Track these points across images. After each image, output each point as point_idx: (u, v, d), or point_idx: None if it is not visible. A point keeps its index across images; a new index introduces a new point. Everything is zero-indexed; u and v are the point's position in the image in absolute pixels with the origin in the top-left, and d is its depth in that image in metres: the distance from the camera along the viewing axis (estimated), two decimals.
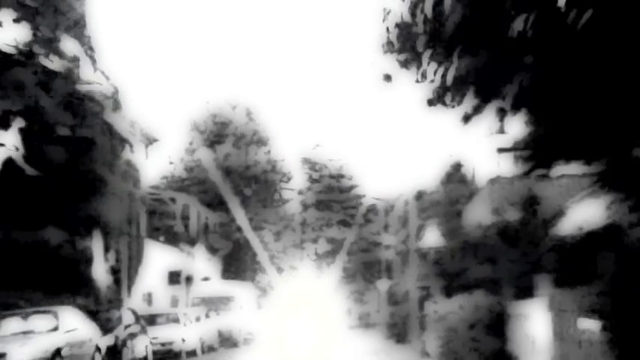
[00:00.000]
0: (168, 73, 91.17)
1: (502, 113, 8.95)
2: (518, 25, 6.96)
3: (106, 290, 25.86)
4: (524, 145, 9.56)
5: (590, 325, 9.95)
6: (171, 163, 58.17)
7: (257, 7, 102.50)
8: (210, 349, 30.44)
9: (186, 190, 52.08)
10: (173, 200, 44.97)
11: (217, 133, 58.23)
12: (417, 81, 8.98)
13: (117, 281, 28.11)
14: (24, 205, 21.13)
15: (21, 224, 21.22)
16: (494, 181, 23.62)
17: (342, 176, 64.26)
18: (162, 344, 25.79)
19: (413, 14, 8.59)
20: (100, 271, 25.64)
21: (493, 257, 17.63)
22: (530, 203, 17.46)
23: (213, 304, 35.10)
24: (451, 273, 20.87)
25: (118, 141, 27.83)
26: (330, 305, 29.25)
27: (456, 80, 8.15)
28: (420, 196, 36.98)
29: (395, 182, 56.12)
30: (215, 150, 56.70)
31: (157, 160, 50.22)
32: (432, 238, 23.70)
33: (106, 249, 26.59)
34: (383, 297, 39.90)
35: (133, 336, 21.81)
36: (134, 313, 23.53)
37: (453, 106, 9.00)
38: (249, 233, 49.46)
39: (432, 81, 8.64)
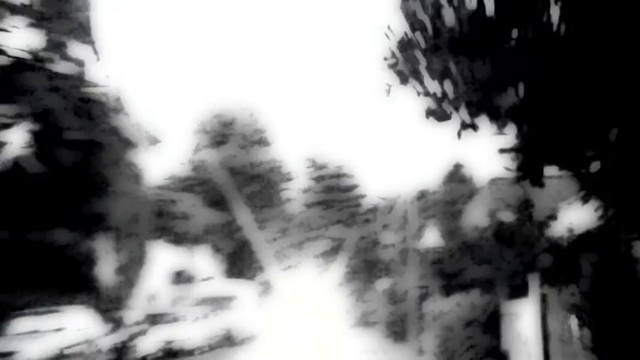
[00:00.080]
0: (173, 74, 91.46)
1: (499, 121, 9.33)
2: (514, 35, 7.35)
3: (113, 290, 26.20)
4: (517, 150, 9.94)
5: (575, 323, 10.49)
6: (182, 164, 58.55)
7: (261, 9, 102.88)
8: (212, 348, 30.70)
9: (190, 190, 52.46)
10: (178, 200, 45.22)
11: (222, 134, 58.66)
12: (419, 94, 9.36)
13: (123, 281, 28.48)
14: (33, 206, 21.51)
15: (30, 225, 21.58)
16: (493, 182, 23.92)
17: (343, 175, 64.50)
18: (166, 343, 26.01)
19: (413, 29, 8.95)
20: (107, 271, 25.99)
21: (489, 258, 17.96)
22: (526, 206, 17.79)
23: (216, 303, 35.36)
24: (449, 273, 21.21)
25: (123, 142, 28.18)
26: (330, 304, 29.61)
27: (453, 92, 8.54)
28: (421, 195, 37.29)
29: (396, 182, 56.25)
30: (219, 150, 57.13)
31: (161, 160, 50.58)
32: (432, 238, 24.08)
33: (113, 249, 26.94)
34: (382, 296, 40.12)
35: (137, 335, 22.22)
36: (139, 312, 23.93)
37: (450, 118, 9.38)
38: (252, 232, 49.74)
39: (433, 94, 9.01)
